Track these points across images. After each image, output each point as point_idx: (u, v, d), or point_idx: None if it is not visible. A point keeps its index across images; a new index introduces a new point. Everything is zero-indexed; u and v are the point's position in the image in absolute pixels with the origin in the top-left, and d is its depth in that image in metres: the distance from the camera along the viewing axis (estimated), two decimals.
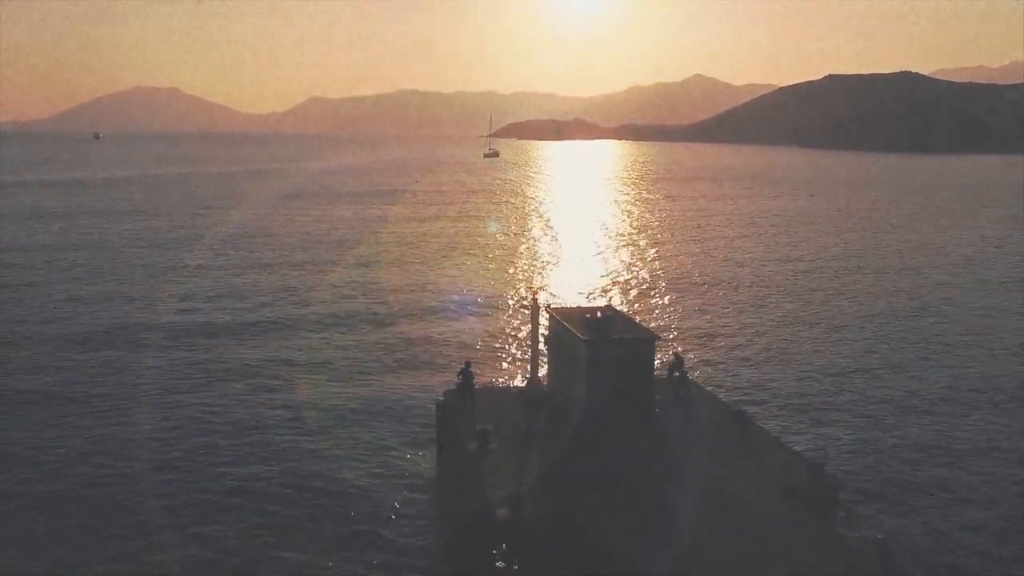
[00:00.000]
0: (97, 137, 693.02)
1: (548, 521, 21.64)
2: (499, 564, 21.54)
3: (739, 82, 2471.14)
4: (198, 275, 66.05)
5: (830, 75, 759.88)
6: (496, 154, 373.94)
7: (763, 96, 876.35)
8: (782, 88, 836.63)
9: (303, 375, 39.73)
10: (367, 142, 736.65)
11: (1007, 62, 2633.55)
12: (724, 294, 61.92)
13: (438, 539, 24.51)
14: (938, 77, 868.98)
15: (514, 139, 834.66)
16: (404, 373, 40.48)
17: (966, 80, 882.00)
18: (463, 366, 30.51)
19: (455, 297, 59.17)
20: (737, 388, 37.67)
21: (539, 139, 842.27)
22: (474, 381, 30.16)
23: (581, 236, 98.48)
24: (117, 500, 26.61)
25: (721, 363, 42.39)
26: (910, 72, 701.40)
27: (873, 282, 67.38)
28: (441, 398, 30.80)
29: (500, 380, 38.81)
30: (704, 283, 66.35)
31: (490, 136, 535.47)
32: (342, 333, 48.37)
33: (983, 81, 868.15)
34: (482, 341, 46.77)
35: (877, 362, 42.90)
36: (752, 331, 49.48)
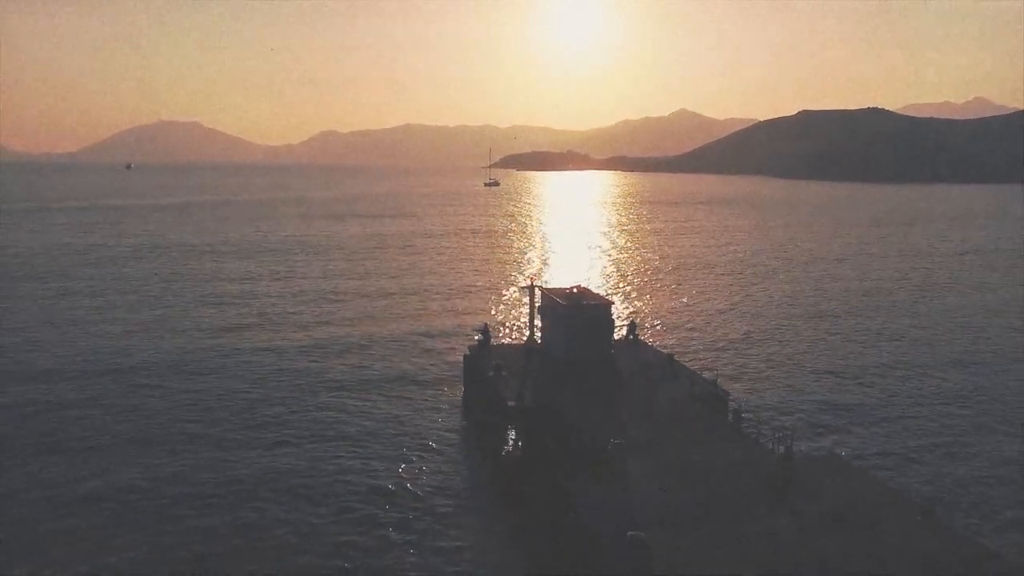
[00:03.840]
0: (129, 168, 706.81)
1: (539, 409, 32.76)
2: (509, 436, 32.72)
3: (722, 116, 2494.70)
4: (250, 277, 77.85)
5: (804, 110, 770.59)
6: (496, 183, 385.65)
7: (743, 130, 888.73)
8: (760, 122, 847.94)
9: (361, 343, 51.16)
10: (377, 172, 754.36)
11: (971, 98, 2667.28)
12: (670, 281, 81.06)
13: (467, 422, 36.08)
14: (907, 112, 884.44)
15: (512, 170, 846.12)
16: (439, 337, 53.28)
17: (934, 115, 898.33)
18: (483, 328, 41.85)
19: (474, 283, 76.33)
20: (671, 342, 51.15)
21: (535, 170, 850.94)
22: (491, 338, 41.45)
23: (567, 240, 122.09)
24: (174, 493, 28.85)
25: (662, 327, 58.04)
26: (877, 108, 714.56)
27: (788, 273, 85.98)
28: (467, 352, 42.05)
29: (508, 339, 51.09)
30: (658, 272, 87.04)
31: (490, 167, 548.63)
32: (388, 314, 61.31)
33: (949, 116, 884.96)
34: (495, 312, 62.56)
35: (765, 325, 59.14)
36: (685, 306, 66.81)
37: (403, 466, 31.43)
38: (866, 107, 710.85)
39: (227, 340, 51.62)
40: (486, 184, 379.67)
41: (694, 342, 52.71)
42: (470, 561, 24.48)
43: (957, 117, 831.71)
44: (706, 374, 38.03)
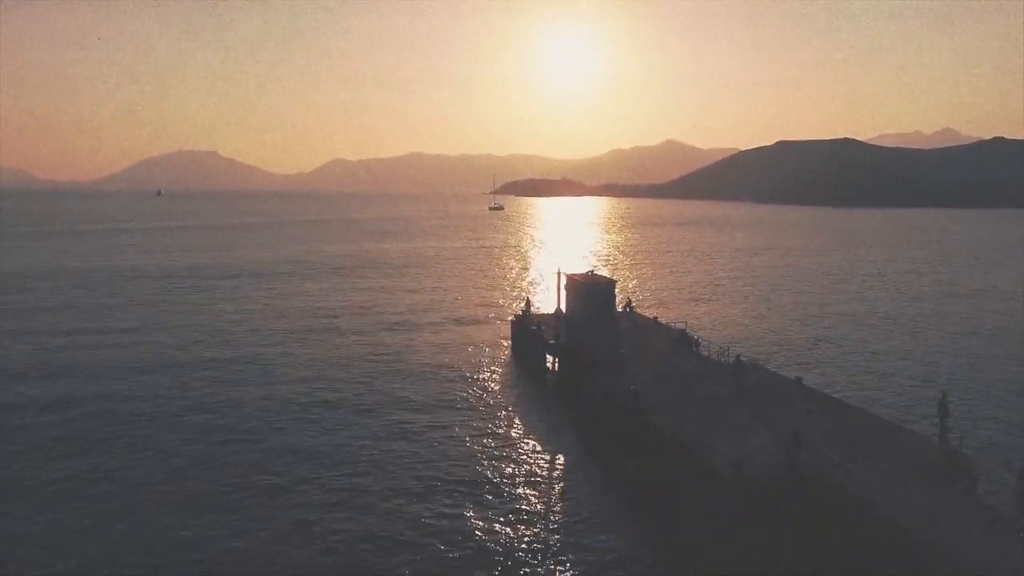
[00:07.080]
0: (159, 194, 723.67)
1: (568, 345, 48.03)
2: (548, 363, 48.04)
3: (706, 146, 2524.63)
4: (307, 287, 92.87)
5: (782, 141, 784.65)
6: (501, 207, 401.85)
7: (725, 159, 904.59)
8: (741, 152, 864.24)
9: (432, 312, 66.56)
10: (388, 198, 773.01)
11: (939, 129, 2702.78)
12: (657, 274, 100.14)
13: (516, 358, 51.59)
14: (879, 142, 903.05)
15: (511, 196, 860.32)
16: (492, 307, 70.53)
17: (904, 144, 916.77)
18: (525, 300, 57.26)
19: (511, 277, 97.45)
20: (656, 310, 66.40)
21: (532, 196, 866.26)
22: (531, 307, 56.82)
23: (580, 248, 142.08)
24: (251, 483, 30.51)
25: (649, 300, 75.44)
26: (849, 139, 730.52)
27: (748, 269, 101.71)
28: (512, 318, 57.36)
29: (542, 309, 65.98)
30: (648, 268, 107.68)
31: (493, 192, 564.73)
32: (452, 295, 79.12)
33: (919, 145, 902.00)
34: (533, 291, 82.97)
35: (721, 298, 76.36)
36: (667, 287, 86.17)
37: (475, 385, 46.42)
38: (840, 137, 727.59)
39: (335, 332, 65.69)
40: (491, 208, 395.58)
41: (672, 310, 68.98)
42: (526, 424, 39.40)
43: (926, 147, 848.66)
44: (679, 326, 53.38)
